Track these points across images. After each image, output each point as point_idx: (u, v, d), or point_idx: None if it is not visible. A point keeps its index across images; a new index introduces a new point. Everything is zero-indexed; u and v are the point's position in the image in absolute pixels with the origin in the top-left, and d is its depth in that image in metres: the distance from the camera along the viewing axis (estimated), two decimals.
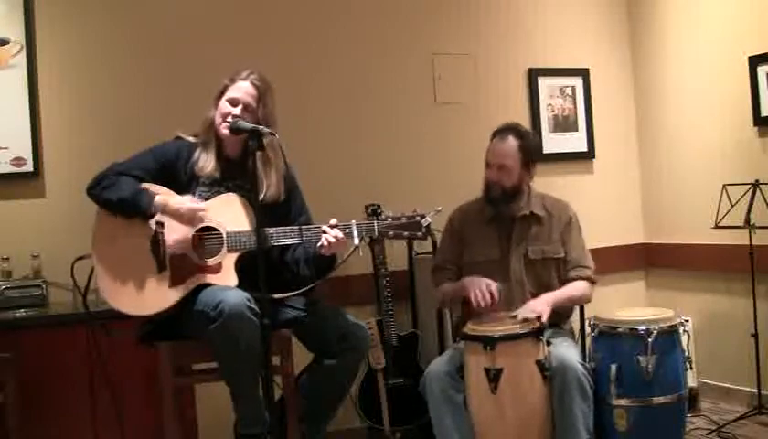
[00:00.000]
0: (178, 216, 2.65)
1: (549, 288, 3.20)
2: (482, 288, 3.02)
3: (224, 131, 2.73)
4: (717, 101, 4.19)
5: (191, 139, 2.81)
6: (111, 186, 2.65)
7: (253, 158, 2.55)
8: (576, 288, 3.20)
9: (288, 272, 2.84)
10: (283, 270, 2.85)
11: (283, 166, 2.82)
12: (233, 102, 2.74)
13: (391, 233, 2.71)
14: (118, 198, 2.63)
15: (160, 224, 2.63)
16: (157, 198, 2.65)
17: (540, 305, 3.03)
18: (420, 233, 2.71)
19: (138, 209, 2.63)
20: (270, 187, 2.75)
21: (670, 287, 4.59)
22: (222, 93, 2.77)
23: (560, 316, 3.22)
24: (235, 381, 2.61)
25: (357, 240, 2.69)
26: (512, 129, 3.23)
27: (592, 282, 3.25)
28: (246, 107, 2.74)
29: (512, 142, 3.18)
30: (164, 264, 2.63)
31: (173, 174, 2.75)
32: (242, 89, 2.75)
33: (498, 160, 3.18)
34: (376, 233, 2.71)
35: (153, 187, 2.69)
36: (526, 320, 2.94)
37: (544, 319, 2.96)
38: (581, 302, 3.31)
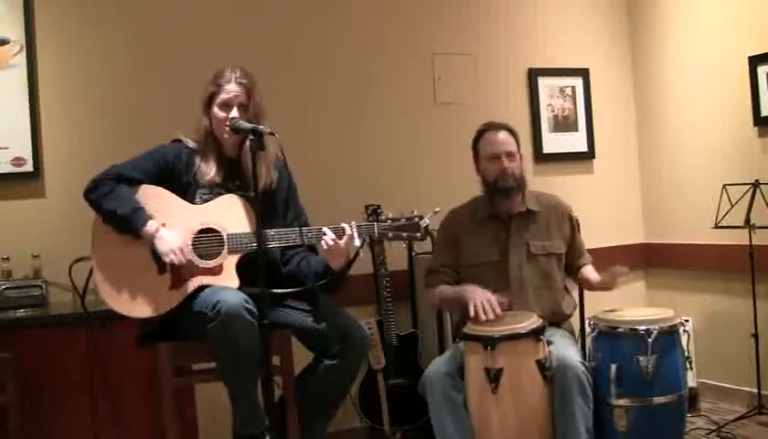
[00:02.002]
0: (159, 253, 2.61)
1: (551, 283, 3.22)
2: (483, 302, 2.97)
3: (226, 136, 2.73)
4: (717, 101, 4.19)
5: (190, 143, 2.81)
6: (108, 194, 2.63)
7: (253, 158, 2.56)
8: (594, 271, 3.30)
9: (291, 278, 2.84)
10: (285, 274, 2.84)
11: (274, 157, 2.81)
12: (227, 107, 2.74)
13: (391, 235, 2.73)
14: (113, 211, 2.62)
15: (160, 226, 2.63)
16: (148, 226, 2.61)
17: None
18: (418, 234, 2.74)
19: (129, 229, 2.62)
20: (262, 177, 2.74)
21: (670, 287, 4.59)
22: (211, 100, 2.76)
23: (560, 316, 3.23)
24: (233, 381, 2.61)
25: (357, 242, 2.70)
26: (497, 123, 3.28)
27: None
28: (239, 106, 2.74)
29: (506, 132, 3.24)
30: (164, 267, 2.63)
31: (172, 176, 2.75)
32: (231, 91, 2.74)
33: (505, 148, 3.20)
34: (376, 235, 2.72)
35: (152, 191, 2.69)
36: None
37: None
38: None
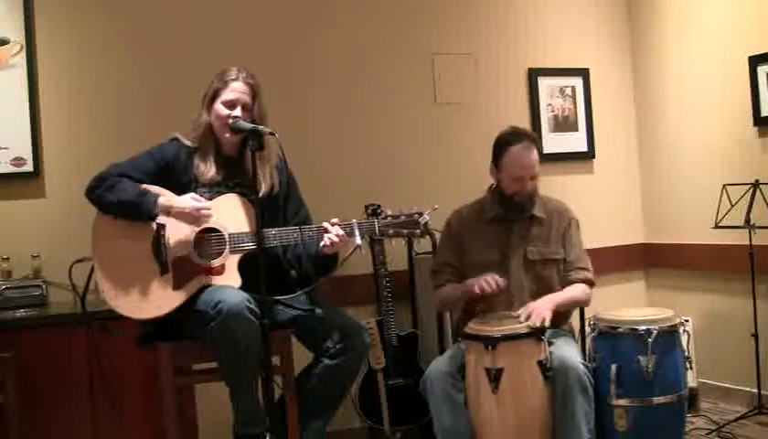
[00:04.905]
0: (183, 216, 2.64)
1: (549, 289, 3.18)
2: (486, 279, 3.02)
3: (226, 134, 2.73)
4: (717, 101, 4.19)
5: (188, 143, 2.80)
6: (112, 187, 2.64)
7: (253, 158, 2.56)
8: (576, 290, 3.20)
9: (292, 272, 2.84)
10: (288, 271, 2.85)
11: (276, 159, 2.82)
12: (231, 105, 2.74)
13: (391, 231, 2.74)
14: (121, 200, 2.62)
15: (161, 226, 2.63)
16: (161, 200, 2.63)
17: (543, 307, 3.02)
18: (418, 231, 2.75)
19: (141, 212, 2.62)
20: (265, 181, 2.75)
21: (670, 287, 4.59)
22: (215, 96, 2.76)
23: (559, 317, 3.22)
24: (234, 381, 2.61)
25: (359, 240, 2.70)
26: (528, 136, 3.22)
27: (591, 284, 3.25)
28: (243, 107, 2.74)
29: (535, 151, 3.19)
30: (166, 267, 2.63)
31: (171, 176, 2.74)
32: (237, 89, 2.75)
33: (531, 172, 3.17)
34: (376, 232, 2.73)
35: (153, 189, 2.69)
36: (528, 323, 2.94)
37: (547, 323, 2.95)
38: (581, 305, 3.33)
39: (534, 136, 3.27)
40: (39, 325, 3.11)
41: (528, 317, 2.96)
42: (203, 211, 2.65)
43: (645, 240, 4.77)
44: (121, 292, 2.62)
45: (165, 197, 2.66)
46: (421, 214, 2.74)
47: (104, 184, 2.64)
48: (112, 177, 2.66)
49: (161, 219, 2.63)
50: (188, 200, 2.66)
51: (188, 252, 2.65)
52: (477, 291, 3.02)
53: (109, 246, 2.65)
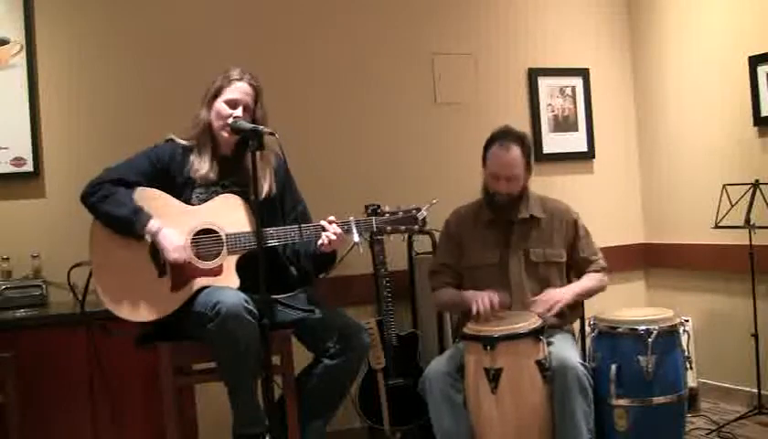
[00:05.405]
0: (161, 251, 2.60)
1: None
2: (483, 298, 3.01)
3: (224, 134, 2.73)
4: (717, 101, 4.19)
5: (184, 142, 2.80)
6: (106, 198, 2.62)
7: (253, 158, 2.55)
8: (593, 280, 3.26)
9: (291, 268, 2.84)
10: (287, 269, 2.85)
11: (274, 160, 2.82)
12: (233, 104, 2.73)
13: (389, 228, 2.75)
14: (112, 214, 2.61)
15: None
16: (151, 224, 2.60)
17: (561, 296, 3.09)
18: (416, 226, 2.76)
19: (130, 232, 2.61)
20: (264, 182, 2.75)
21: (670, 287, 4.59)
22: (217, 94, 2.75)
23: (563, 319, 3.22)
24: (233, 381, 2.61)
25: (356, 237, 2.71)
26: (512, 135, 3.19)
27: (607, 270, 3.31)
28: (245, 108, 2.74)
29: (516, 151, 3.15)
30: (164, 269, 2.63)
31: (168, 177, 2.74)
32: (240, 90, 2.74)
33: (507, 171, 3.15)
34: (374, 228, 2.73)
35: (150, 194, 2.68)
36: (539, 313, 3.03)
37: (562, 304, 3.07)
38: (599, 291, 3.31)
39: (521, 136, 3.21)
40: (39, 325, 3.12)
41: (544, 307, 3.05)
42: (177, 259, 2.60)
43: (645, 240, 4.77)
44: (119, 295, 2.62)
45: (157, 221, 2.62)
46: (418, 209, 2.75)
47: (99, 192, 2.63)
48: (108, 185, 2.64)
49: (148, 238, 2.61)
50: (172, 244, 2.60)
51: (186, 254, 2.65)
52: (474, 310, 3.02)
53: (106, 249, 2.65)
